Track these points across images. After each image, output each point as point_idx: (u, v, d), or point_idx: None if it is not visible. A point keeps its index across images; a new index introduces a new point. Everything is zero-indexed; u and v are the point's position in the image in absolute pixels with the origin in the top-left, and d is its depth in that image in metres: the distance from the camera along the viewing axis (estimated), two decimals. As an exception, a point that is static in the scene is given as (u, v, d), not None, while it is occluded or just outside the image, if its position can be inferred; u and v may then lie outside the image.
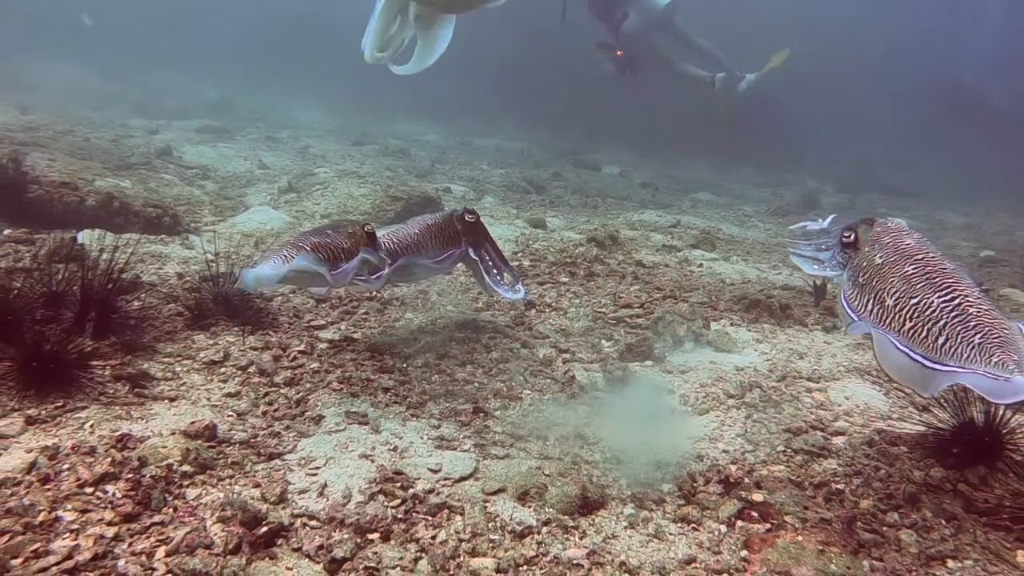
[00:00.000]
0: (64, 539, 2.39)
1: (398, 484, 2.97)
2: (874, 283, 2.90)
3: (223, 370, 3.93)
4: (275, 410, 3.59)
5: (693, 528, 2.96)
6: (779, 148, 19.84)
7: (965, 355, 2.51)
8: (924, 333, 2.60)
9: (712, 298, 6.09)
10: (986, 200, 16.14)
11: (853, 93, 25.06)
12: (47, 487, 2.66)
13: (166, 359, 3.98)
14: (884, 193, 16.80)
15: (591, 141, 19.39)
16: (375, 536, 2.64)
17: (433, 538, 2.66)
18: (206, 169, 10.13)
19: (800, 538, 2.81)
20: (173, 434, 3.13)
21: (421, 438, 3.43)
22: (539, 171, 13.77)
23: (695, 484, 3.27)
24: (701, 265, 7.31)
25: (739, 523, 3.01)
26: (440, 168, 12.99)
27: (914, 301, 2.69)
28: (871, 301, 2.88)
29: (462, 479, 3.09)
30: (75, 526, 2.47)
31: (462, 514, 2.82)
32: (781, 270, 7.66)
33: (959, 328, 2.55)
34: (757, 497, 3.14)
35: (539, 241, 7.37)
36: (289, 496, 2.84)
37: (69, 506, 2.56)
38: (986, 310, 2.61)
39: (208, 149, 11.50)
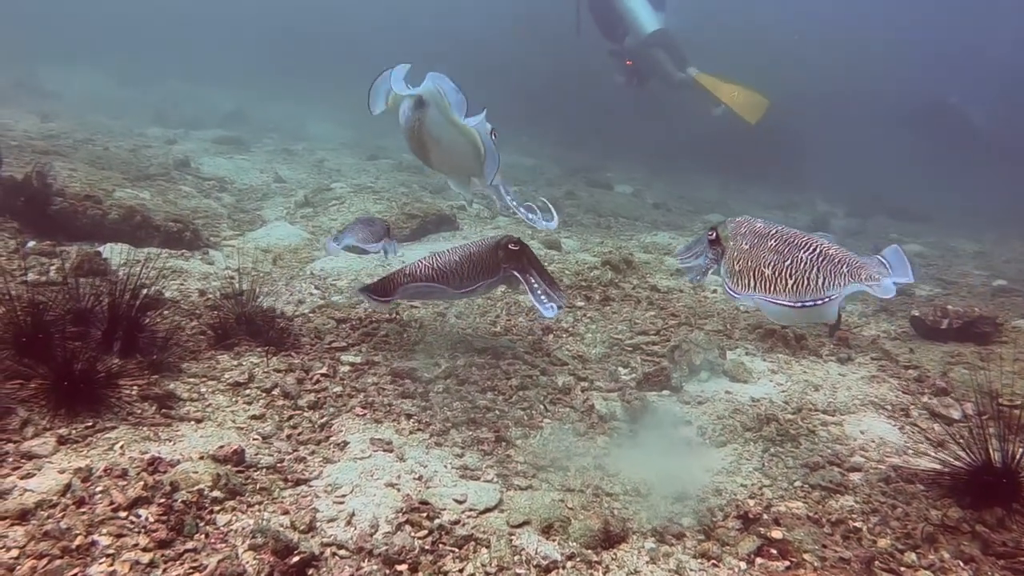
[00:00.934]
0: (101, 564, 2.44)
1: (424, 514, 3.02)
2: (749, 264, 3.40)
3: (248, 392, 3.99)
4: (300, 434, 3.65)
5: (713, 564, 3.00)
6: (789, 169, 19.89)
7: (842, 283, 3.11)
8: (806, 282, 3.16)
9: (727, 326, 6.13)
10: (999, 227, 16.16)
11: (867, 115, 25.09)
12: (82, 510, 2.71)
13: (191, 379, 4.03)
14: (895, 217, 16.81)
15: (604, 158, 19.46)
16: (403, 568, 2.69)
17: (461, 571, 2.71)
18: (223, 181, 10.22)
19: (821, 579, 2.85)
20: (203, 458, 3.18)
21: (445, 467, 3.48)
22: (552, 189, 13.83)
23: (714, 519, 3.31)
24: (715, 291, 7.35)
25: (759, 560, 3.05)
26: (454, 184, 13.04)
27: (787, 263, 3.24)
28: (751, 279, 3.36)
29: (487, 510, 3.14)
30: (111, 551, 2.52)
31: (488, 547, 2.87)
32: (794, 297, 7.68)
33: (829, 267, 3.13)
34: (776, 534, 3.18)
35: (554, 263, 7.42)
36: (318, 524, 2.89)
37: (104, 530, 2.61)
38: (839, 249, 3.23)
39: (225, 161, 11.60)
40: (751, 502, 3.48)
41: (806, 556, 3.05)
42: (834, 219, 15.20)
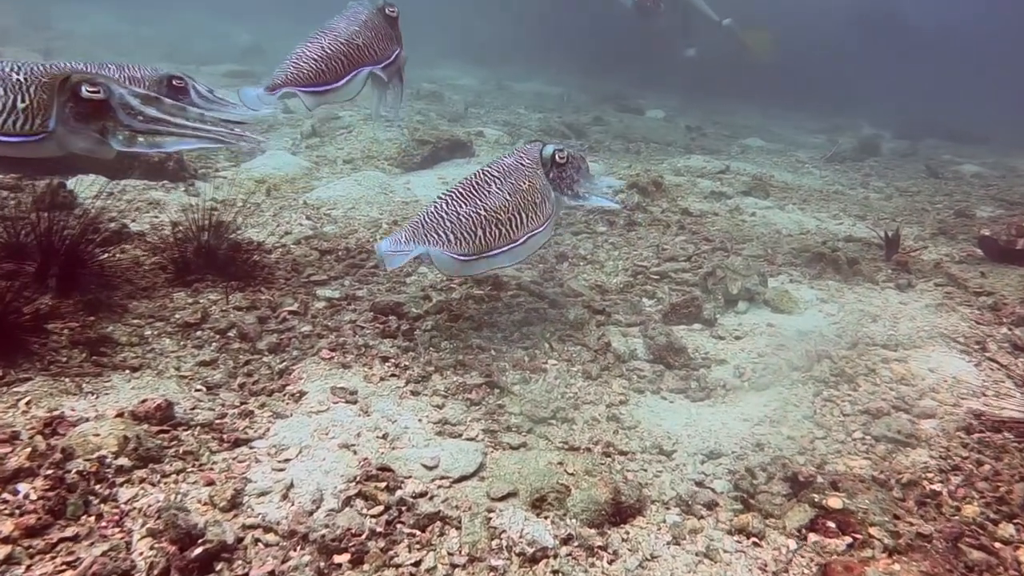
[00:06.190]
0: (-58, 561, 1.87)
1: (383, 484, 2.38)
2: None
3: (199, 334, 3.38)
4: (253, 382, 3.04)
5: (754, 543, 2.35)
6: (832, 93, 18.98)
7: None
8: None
9: (768, 251, 5.40)
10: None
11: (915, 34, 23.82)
12: (-58, 487, 2.13)
13: (135, 320, 3.43)
14: (948, 139, 15.77)
15: (637, 86, 18.54)
16: (343, 558, 2.06)
17: (417, 564, 2.07)
18: (226, 113, 9.57)
19: (896, 566, 2.18)
20: (120, 416, 2.59)
21: (419, 421, 2.84)
22: (579, 115, 13.02)
23: (755, 481, 2.65)
24: (754, 214, 6.59)
25: (812, 536, 2.39)
26: (474, 112, 12.30)
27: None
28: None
29: (463, 478, 2.48)
30: (-37, 542, 1.94)
31: (459, 528, 2.23)
32: (843, 220, 6.91)
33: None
34: (834, 503, 2.50)
35: (576, 187, 6.71)
36: (244, 500, 2.27)
37: (-37, 514, 2.03)
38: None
39: (233, 94, 10.95)
40: (801, 459, 2.81)
41: (873, 531, 2.38)
42: (883, 142, 14.20)
